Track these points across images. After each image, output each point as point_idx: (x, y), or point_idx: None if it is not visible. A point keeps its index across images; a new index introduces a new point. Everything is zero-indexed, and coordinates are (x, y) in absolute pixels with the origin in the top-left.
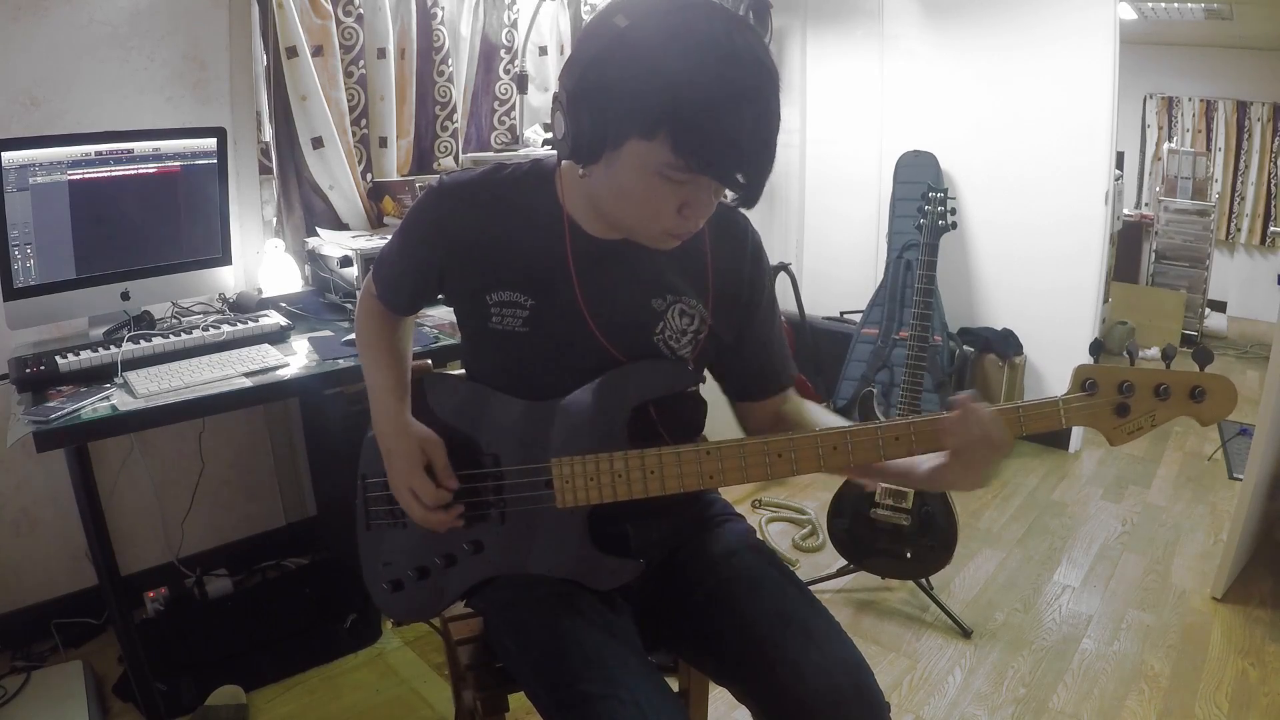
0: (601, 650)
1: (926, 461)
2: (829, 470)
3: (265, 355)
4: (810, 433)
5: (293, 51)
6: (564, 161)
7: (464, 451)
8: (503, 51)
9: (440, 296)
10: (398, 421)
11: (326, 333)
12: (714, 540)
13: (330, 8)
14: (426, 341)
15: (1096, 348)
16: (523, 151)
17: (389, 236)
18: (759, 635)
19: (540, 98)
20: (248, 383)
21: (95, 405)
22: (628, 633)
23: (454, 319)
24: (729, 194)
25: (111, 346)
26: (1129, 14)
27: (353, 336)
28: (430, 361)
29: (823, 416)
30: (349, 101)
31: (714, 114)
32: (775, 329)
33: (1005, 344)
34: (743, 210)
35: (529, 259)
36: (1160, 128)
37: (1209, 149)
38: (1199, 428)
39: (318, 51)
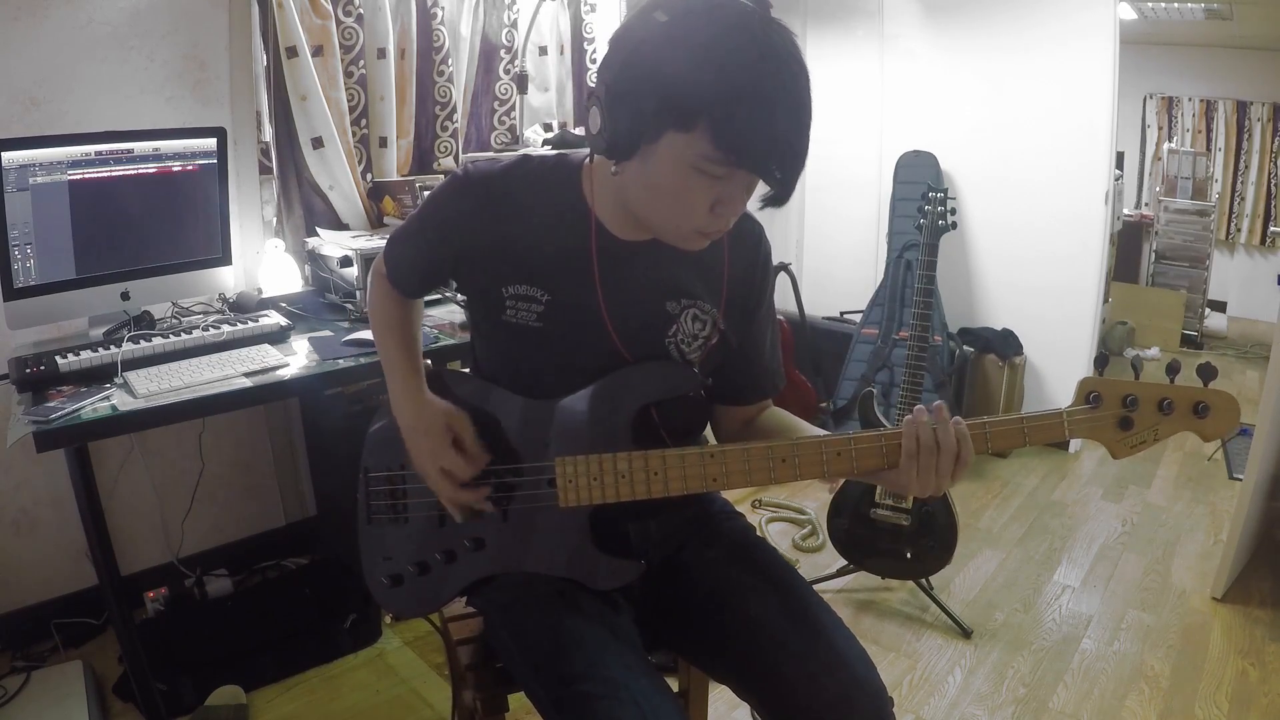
0: (601, 650)
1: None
2: (832, 477)
3: (265, 355)
4: (815, 438)
5: (293, 51)
6: (592, 159)
7: None
8: (503, 51)
9: (454, 286)
10: (418, 398)
11: (326, 333)
12: (715, 539)
13: (330, 8)
14: (427, 341)
15: (1102, 360)
16: (523, 151)
17: (390, 235)
18: (763, 632)
19: (540, 98)
20: (248, 383)
21: (95, 405)
22: (628, 633)
23: (454, 319)
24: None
25: (111, 346)
26: (1129, 14)
27: (353, 336)
28: (430, 361)
29: (799, 425)
30: (349, 101)
31: (752, 106)
32: (770, 335)
33: (1005, 344)
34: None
35: (550, 255)
36: (1160, 128)
37: (1209, 149)
38: None
39: (318, 51)
